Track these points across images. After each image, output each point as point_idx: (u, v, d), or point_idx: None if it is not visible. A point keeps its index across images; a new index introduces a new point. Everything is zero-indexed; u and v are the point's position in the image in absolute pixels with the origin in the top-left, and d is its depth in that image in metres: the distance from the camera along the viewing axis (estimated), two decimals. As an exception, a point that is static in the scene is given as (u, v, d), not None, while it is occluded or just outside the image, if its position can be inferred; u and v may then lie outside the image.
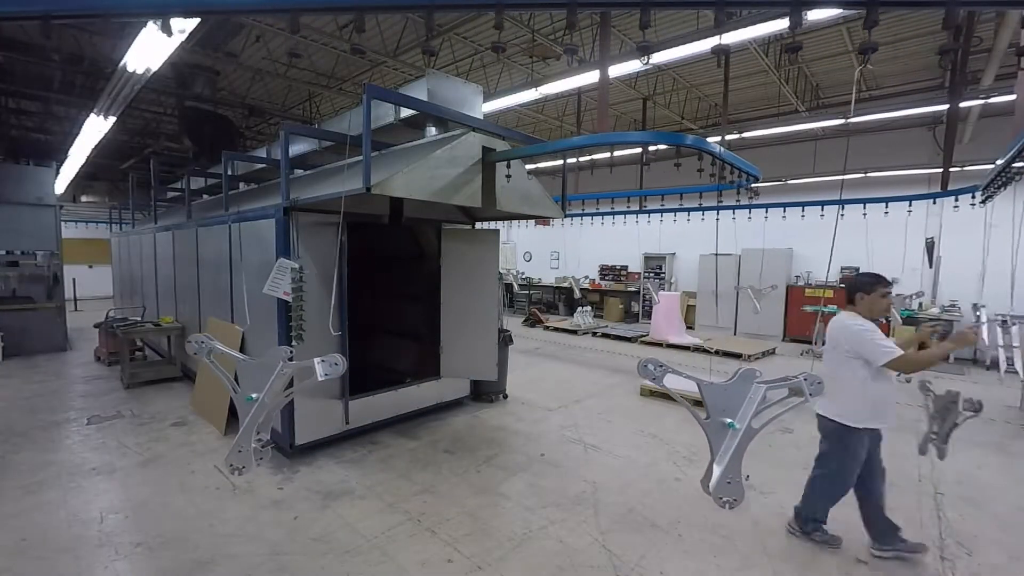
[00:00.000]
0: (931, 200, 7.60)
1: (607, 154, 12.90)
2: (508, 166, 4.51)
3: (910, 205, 7.63)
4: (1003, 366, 4.72)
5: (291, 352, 2.41)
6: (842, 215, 8.38)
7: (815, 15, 4.88)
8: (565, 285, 16.08)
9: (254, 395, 2.37)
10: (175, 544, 3.25)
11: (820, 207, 8.56)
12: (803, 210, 8.75)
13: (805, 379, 2.22)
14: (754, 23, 5.31)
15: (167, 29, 3.13)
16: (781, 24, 5.23)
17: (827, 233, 10.51)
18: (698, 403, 2.37)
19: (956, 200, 6.85)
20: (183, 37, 4.64)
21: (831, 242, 4.94)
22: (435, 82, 4.74)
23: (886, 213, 8.01)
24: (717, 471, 2.21)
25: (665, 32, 7.87)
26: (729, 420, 2.24)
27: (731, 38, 5.73)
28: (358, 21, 3.06)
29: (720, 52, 4.02)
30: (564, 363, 8.95)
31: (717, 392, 2.31)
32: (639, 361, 2.41)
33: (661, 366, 2.38)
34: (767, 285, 11.38)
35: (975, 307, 6.37)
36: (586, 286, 15.90)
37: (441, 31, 8.20)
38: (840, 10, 4.93)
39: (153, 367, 7.39)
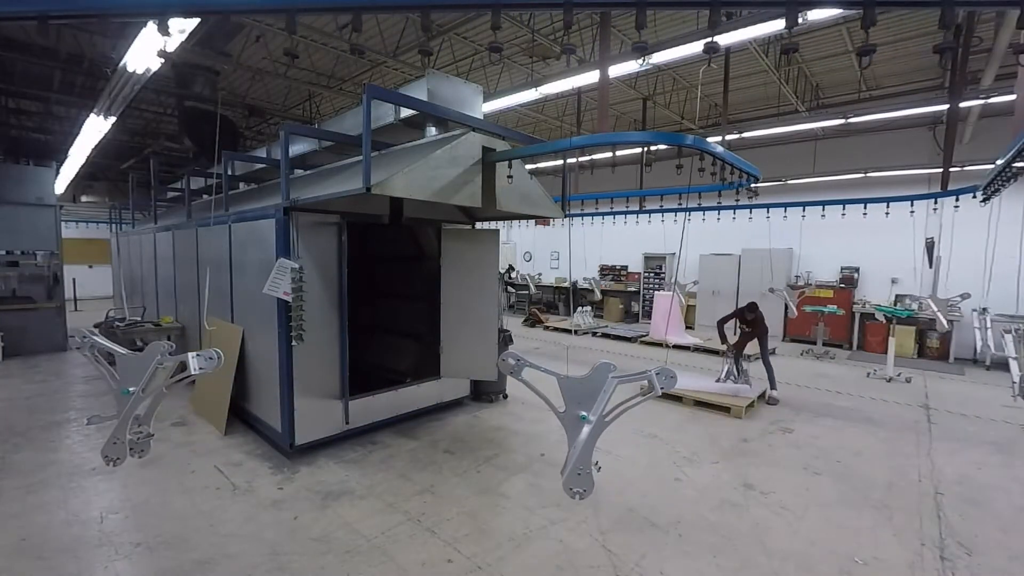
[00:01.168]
0: (932, 200, 7.56)
1: (607, 154, 12.91)
2: (509, 166, 4.52)
3: (912, 205, 7.62)
4: (1017, 380, 4.44)
5: (171, 347, 2.46)
6: (830, 215, 8.45)
7: (815, 15, 4.88)
8: (565, 285, 16.10)
9: (131, 389, 2.40)
10: (175, 544, 3.25)
11: (820, 207, 8.58)
12: (804, 210, 8.77)
13: (657, 373, 2.25)
14: (754, 23, 5.31)
15: (164, 29, 3.12)
16: (781, 24, 5.22)
17: (827, 233, 10.61)
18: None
19: (936, 202, 6.86)
20: (183, 37, 4.64)
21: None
22: (435, 82, 4.74)
23: (887, 214, 8.04)
24: (569, 462, 2.26)
25: (665, 32, 7.87)
26: (583, 413, 2.28)
27: (731, 38, 5.73)
28: (356, 21, 3.06)
29: (711, 51, 4.08)
30: (564, 363, 8.94)
31: (574, 385, 2.35)
32: (500, 356, 2.43)
33: (519, 360, 2.40)
34: (804, 284, 11.10)
35: (980, 311, 6.32)
36: (586, 286, 15.89)
37: (441, 31, 8.20)
38: (840, 10, 4.92)
39: (153, 367, 7.38)
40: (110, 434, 2.43)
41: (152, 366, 2.41)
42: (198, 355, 2.43)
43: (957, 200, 7.02)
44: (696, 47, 5.97)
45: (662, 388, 2.25)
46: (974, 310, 6.37)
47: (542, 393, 2.45)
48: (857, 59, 8.25)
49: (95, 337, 2.50)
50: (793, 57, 8.99)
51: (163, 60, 4.92)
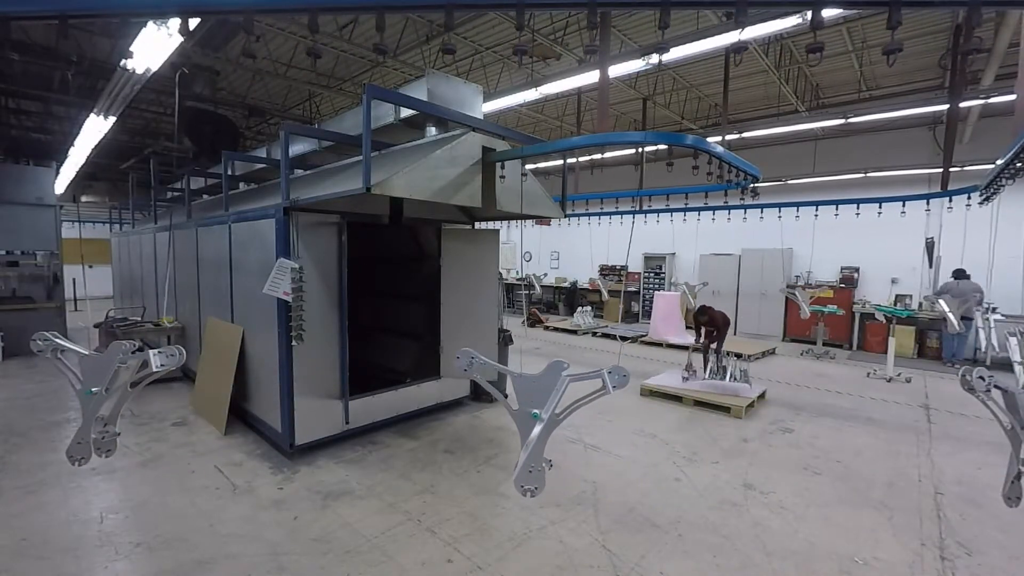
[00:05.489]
0: (932, 200, 7.52)
1: (608, 154, 12.92)
2: (502, 166, 4.52)
3: (928, 204, 7.55)
4: (1021, 379, 4.36)
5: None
6: (831, 215, 8.44)
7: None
8: (565, 285, 16.14)
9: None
10: (175, 544, 3.25)
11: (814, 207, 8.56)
12: (798, 210, 8.75)
13: (157, 353, 2.44)
14: (759, 22, 5.30)
15: (183, 29, 3.13)
16: (782, 24, 5.22)
17: (827, 233, 10.61)
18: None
19: (950, 202, 6.85)
20: (183, 37, 4.64)
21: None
22: (435, 82, 4.74)
23: (880, 214, 8.04)
24: None
25: (665, 32, 7.86)
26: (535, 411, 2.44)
27: (731, 38, 5.73)
28: (379, 20, 3.07)
29: (736, 50, 4.10)
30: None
31: (94, 364, 2.54)
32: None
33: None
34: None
35: (986, 309, 6.27)
36: (585, 286, 15.91)
37: (441, 31, 8.20)
38: (841, 10, 4.93)
39: (153, 367, 7.37)
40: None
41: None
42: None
43: (969, 199, 6.97)
44: (697, 47, 5.99)
45: (171, 366, 2.47)
46: (977, 309, 6.36)
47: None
48: (857, 59, 8.22)
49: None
50: (793, 57, 9.00)
51: (164, 61, 4.93)
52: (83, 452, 2.49)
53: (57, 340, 2.47)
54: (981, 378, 2.15)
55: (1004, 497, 2.23)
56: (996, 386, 2.17)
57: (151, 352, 2.44)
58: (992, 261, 6.91)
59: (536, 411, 2.41)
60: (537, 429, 2.38)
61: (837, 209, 8.28)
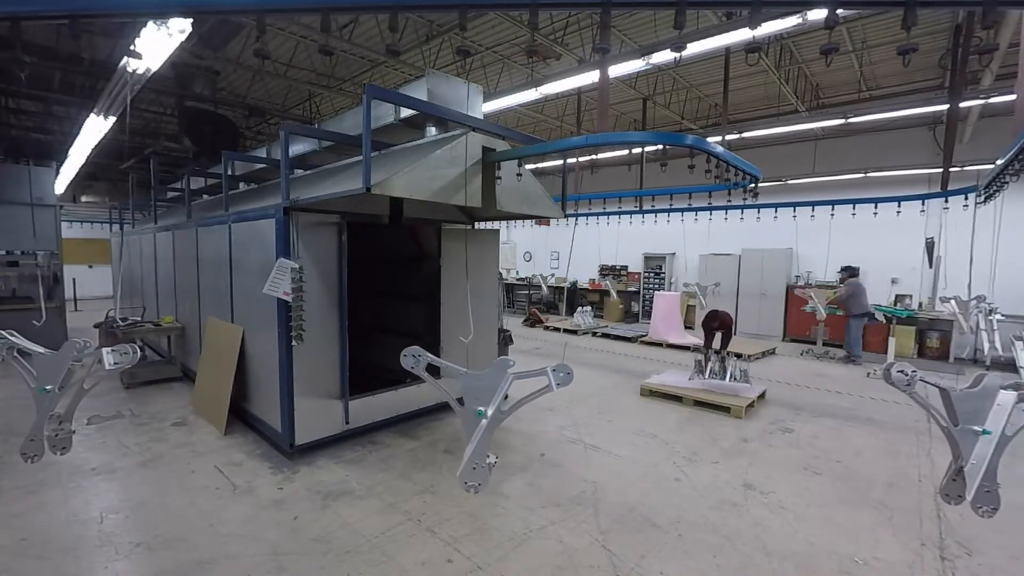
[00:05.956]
0: (947, 198, 7.43)
1: (609, 154, 12.93)
2: (520, 164, 4.54)
3: (946, 202, 7.50)
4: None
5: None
6: (832, 215, 8.44)
7: (815, 15, 4.88)
8: (565, 285, 16.15)
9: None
10: (175, 544, 3.25)
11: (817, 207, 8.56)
12: (813, 210, 8.75)
13: None
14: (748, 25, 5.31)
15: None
16: (782, 24, 5.23)
17: (826, 233, 10.61)
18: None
19: (946, 202, 6.86)
20: (183, 37, 4.64)
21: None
22: (435, 82, 4.74)
23: (875, 214, 8.03)
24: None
25: (665, 32, 7.87)
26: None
27: (730, 39, 5.74)
28: (324, 21, 3.06)
29: (677, 49, 4.29)
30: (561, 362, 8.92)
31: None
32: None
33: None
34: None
35: (988, 309, 6.23)
36: (585, 285, 15.92)
37: (441, 31, 8.20)
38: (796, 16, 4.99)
39: (153, 367, 7.38)
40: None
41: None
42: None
43: (924, 204, 6.97)
44: (697, 47, 5.99)
45: (124, 364, 2.47)
46: (979, 311, 6.35)
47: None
48: (857, 59, 8.21)
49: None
50: (793, 57, 9.00)
51: (140, 60, 4.97)
52: (36, 449, 2.50)
53: (12, 339, 2.47)
54: (902, 372, 2.14)
55: (940, 494, 2.20)
56: (924, 380, 2.16)
57: (104, 350, 2.43)
58: (994, 261, 6.91)
59: (481, 408, 2.42)
60: (481, 426, 2.39)
61: (854, 208, 8.23)
